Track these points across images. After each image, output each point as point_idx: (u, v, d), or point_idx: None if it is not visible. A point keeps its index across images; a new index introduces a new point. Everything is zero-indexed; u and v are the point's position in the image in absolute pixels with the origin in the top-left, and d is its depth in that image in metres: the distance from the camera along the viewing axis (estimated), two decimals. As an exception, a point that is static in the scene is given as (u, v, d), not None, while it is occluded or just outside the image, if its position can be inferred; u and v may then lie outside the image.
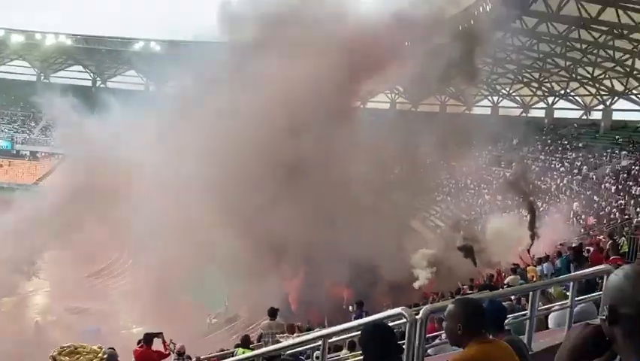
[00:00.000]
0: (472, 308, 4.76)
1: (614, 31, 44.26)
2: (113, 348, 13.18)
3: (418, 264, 36.48)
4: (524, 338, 7.64)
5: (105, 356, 12.00)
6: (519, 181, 42.08)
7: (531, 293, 8.45)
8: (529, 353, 6.77)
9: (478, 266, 35.14)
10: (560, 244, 28.07)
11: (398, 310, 6.63)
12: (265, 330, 16.78)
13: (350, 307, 23.71)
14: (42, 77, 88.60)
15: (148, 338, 15.20)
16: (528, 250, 32.64)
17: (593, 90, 59.91)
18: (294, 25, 35.65)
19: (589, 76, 57.28)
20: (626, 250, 26.82)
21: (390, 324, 6.50)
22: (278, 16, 36.57)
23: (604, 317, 2.59)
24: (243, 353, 13.73)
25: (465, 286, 26.59)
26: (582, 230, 36.44)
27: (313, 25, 35.50)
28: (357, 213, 33.33)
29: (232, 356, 15.37)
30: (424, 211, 46.10)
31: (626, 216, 36.88)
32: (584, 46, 50.16)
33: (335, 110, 36.60)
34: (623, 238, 29.44)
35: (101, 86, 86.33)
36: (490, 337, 4.83)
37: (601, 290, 9.41)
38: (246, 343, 15.62)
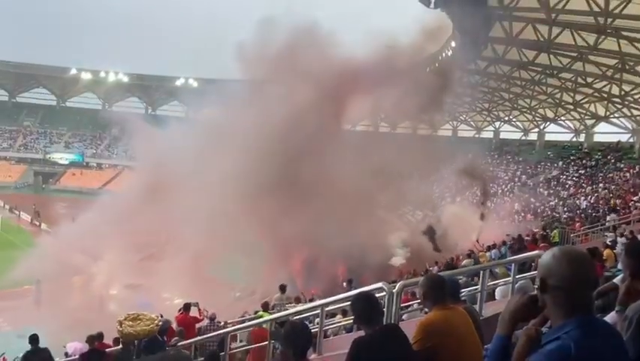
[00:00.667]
0: (435, 282, 4.77)
1: (547, 71, 44.10)
2: (167, 319, 13.15)
3: (396, 244, 36.04)
4: (477, 307, 7.71)
5: (160, 323, 11.98)
6: (472, 169, 42.00)
7: (482, 272, 8.56)
8: (481, 318, 6.70)
9: (440, 250, 34.72)
10: (506, 235, 27.95)
11: (379, 284, 6.75)
12: (277, 301, 16.65)
13: (343, 284, 23.48)
14: (106, 106, 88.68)
15: (187, 306, 15.13)
16: (477, 240, 32.52)
17: (530, 117, 60.18)
18: (294, 62, 35.05)
19: (527, 106, 57.39)
20: (557, 240, 26.90)
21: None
22: (280, 55, 35.66)
23: (537, 287, 2.65)
24: (262, 316, 13.70)
25: (432, 268, 26.13)
26: (521, 224, 36.10)
27: (312, 62, 34.85)
28: (350, 213, 33.01)
29: (255, 318, 15.33)
30: (400, 210, 45.43)
31: (556, 214, 36.96)
32: (523, 82, 49.98)
33: (329, 132, 36.31)
34: (555, 230, 29.56)
35: (152, 113, 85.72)
36: (450, 305, 4.76)
37: (534, 271, 9.41)
38: (265, 307, 15.38)
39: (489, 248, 25.47)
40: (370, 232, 33.10)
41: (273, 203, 31.77)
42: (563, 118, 56.13)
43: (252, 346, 11.90)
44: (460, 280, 10.56)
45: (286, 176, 32.12)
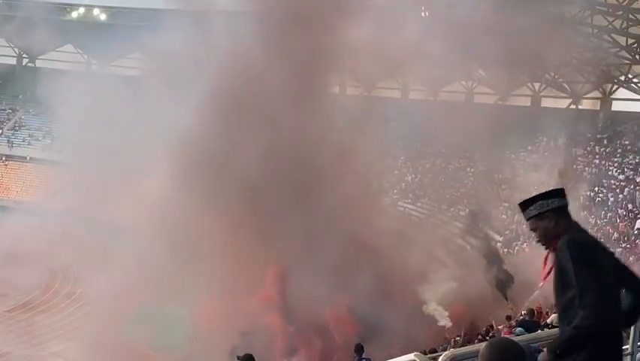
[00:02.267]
0: (507, 354, 3.69)
1: None
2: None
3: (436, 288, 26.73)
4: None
5: None
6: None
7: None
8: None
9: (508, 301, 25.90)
10: None
11: (411, 356, 5.58)
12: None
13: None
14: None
15: None
16: None
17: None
18: None
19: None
20: None
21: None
22: None
23: None
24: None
25: (501, 327, 19.94)
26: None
27: None
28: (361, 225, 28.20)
29: None
30: (444, 228, 37.30)
31: None
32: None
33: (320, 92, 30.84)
34: None
35: (29, 65, 67.27)
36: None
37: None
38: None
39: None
40: (395, 261, 26.68)
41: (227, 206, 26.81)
42: None
43: None
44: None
45: (241, 157, 26.73)
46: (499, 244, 32.46)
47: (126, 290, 26.42)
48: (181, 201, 27.72)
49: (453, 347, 16.53)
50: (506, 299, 25.55)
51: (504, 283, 25.99)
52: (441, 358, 5.08)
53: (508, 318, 21.39)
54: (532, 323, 15.77)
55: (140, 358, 28.62)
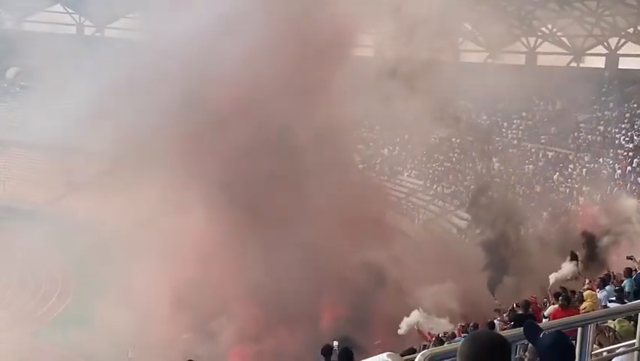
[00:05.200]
0: (487, 348, 3.81)
1: None
2: None
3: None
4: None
5: None
6: None
7: (580, 330, 6.44)
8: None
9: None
10: (629, 257, 21.08)
11: (383, 356, 5.63)
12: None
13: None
14: None
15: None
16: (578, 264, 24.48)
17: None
18: None
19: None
20: None
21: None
22: None
23: None
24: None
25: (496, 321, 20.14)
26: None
27: None
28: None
29: None
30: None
31: None
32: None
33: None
34: None
35: (14, 28, 67.61)
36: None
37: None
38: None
39: (603, 282, 19.09)
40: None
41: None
42: None
43: None
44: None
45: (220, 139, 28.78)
46: None
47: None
48: None
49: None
50: (492, 294, 26.59)
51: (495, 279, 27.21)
52: (418, 357, 5.19)
53: (497, 310, 22.02)
54: (526, 317, 15.14)
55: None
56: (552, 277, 23.03)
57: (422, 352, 5.34)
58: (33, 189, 53.40)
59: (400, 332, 23.84)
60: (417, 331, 23.05)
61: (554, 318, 14.01)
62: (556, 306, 16.68)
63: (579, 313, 12.57)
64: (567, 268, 23.70)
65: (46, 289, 37.75)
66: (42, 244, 44.00)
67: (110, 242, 34.16)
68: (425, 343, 20.89)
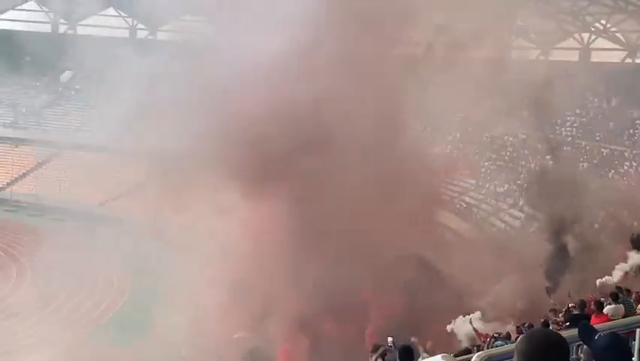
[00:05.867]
0: (544, 348, 3.65)
1: None
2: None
3: None
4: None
5: None
6: None
7: (638, 331, 6.51)
8: None
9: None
10: None
11: (437, 358, 6.52)
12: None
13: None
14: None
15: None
16: None
17: None
18: None
19: None
20: None
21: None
22: None
23: None
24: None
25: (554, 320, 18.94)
26: None
27: None
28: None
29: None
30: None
31: None
32: None
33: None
34: None
35: (69, 32, 70.50)
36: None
37: None
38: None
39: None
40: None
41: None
42: None
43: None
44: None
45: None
46: None
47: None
48: None
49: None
50: (548, 293, 25.96)
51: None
52: (474, 358, 5.16)
53: (554, 310, 21.06)
54: (582, 317, 14.94)
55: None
56: (618, 270, 22.11)
57: (478, 353, 5.51)
58: (88, 191, 54.20)
59: (453, 329, 23.50)
60: (472, 330, 22.62)
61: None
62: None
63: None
64: (636, 257, 22.81)
65: (101, 289, 38.19)
66: (97, 245, 44.85)
67: (164, 243, 34.40)
68: (479, 343, 20.55)
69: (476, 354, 5.53)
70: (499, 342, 16.56)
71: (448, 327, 23.21)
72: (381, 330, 24.28)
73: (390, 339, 16.67)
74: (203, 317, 29.27)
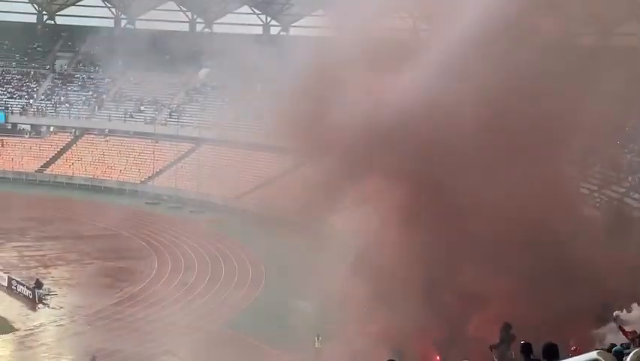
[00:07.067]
0: None
1: None
2: None
3: None
4: None
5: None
6: None
7: None
8: None
9: None
10: None
11: (592, 354, 5.57)
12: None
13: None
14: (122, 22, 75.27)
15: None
16: None
17: None
18: None
19: None
20: None
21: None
22: None
23: None
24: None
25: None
26: None
27: None
28: None
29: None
30: None
31: None
32: None
33: None
34: None
35: (206, 30, 74.08)
36: None
37: None
38: None
39: None
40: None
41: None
42: None
43: None
44: None
45: None
46: None
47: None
48: None
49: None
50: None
51: None
52: (630, 356, 5.03)
53: None
54: None
55: (261, 356, 29.80)
56: None
57: (635, 350, 5.38)
58: (223, 184, 55.74)
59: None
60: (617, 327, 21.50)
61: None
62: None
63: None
64: None
65: (239, 278, 39.20)
66: (233, 235, 46.13)
67: (299, 233, 34.49)
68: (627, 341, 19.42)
69: (633, 351, 5.37)
70: None
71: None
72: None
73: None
74: (338, 309, 29.27)
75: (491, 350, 18.01)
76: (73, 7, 75.73)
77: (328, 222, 34.75)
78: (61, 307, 35.33)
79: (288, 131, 31.53)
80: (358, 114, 26.97)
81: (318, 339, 29.56)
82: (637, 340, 18.44)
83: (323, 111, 28.29)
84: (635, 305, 20.51)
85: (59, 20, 77.56)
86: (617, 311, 20.94)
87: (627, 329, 20.71)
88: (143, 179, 63.80)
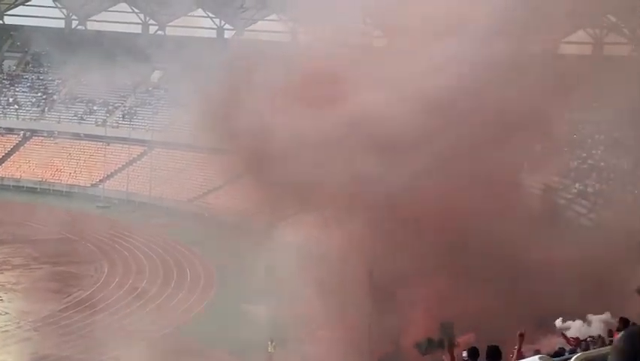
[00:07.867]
0: None
1: None
2: None
3: None
4: None
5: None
6: None
7: None
8: None
9: None
10: None
11: (535, 358, 6.35)
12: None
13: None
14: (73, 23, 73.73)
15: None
16: None
17: None
18: None
19: None
20: None
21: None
22: None
23: None
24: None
25: None
26: None
27: None
28: None
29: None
30: None
31: None
32: None
33: None
34: None
35: (159, 32, 72.50)
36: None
37: None
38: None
39: None
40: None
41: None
42: None
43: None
44: None
45: None
46: None
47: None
48: None
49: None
50: None
51: None
52: (573, 359, 5.02)
53: None
54: None
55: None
56: None
57: (577, 355, 5.38)
58: (176, 188, 55.21)
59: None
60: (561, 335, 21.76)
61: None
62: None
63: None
64: None
65: (191, 282, 38.89)
66: (186, 240, 45.65)
67: (251, 238, 34.39)
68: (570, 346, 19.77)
69: (575, 355, 5.38)
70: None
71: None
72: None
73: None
74: (289, 313, 29.17)
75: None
76: (22, 6, 74.04)
77: (279, 224, 34.58)
78: (6, 313, 34.48)
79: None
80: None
81: (271, 344, 29.48)
82: (583, 344, 18.81)
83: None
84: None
85: (8, 20, 75.89)
86: (557, 320, 21.29)
87: (569, 335, 21.12)
88: (93, 182, 62.61)
